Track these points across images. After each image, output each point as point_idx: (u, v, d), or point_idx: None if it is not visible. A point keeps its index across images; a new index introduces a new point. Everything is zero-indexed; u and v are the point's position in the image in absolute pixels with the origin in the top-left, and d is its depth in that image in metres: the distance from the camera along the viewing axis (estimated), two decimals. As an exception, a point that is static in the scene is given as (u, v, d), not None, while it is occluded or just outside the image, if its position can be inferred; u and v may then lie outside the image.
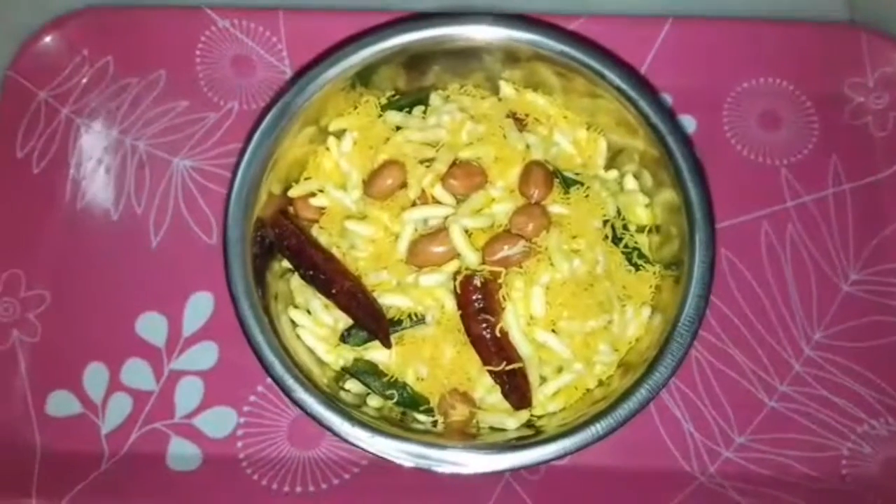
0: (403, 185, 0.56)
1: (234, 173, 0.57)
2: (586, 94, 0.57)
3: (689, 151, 0.57)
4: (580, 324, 0.55)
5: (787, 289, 0.63)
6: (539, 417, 0.56)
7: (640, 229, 0.61)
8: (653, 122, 0.57)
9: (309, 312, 0.57)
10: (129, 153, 0.65)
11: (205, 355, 0.61)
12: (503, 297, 0.52)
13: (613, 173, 0.62)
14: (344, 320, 0.57)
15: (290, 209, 0.59)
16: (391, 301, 0.54)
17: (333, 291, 0.55)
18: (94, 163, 0.65)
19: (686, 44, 0.65)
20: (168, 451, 0.58)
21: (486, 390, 0.54)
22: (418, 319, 0.54)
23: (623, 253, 0.58)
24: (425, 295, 0.53)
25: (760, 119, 0.66)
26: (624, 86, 0.57)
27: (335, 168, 0.58)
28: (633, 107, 0.56)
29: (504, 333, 0.53)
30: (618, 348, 0.58)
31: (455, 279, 0.53)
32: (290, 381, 0.54)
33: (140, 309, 0.61)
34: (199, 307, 0.61)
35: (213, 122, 0.67)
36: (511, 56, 0.57)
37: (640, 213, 0.61)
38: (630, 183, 0.62)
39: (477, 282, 0.52)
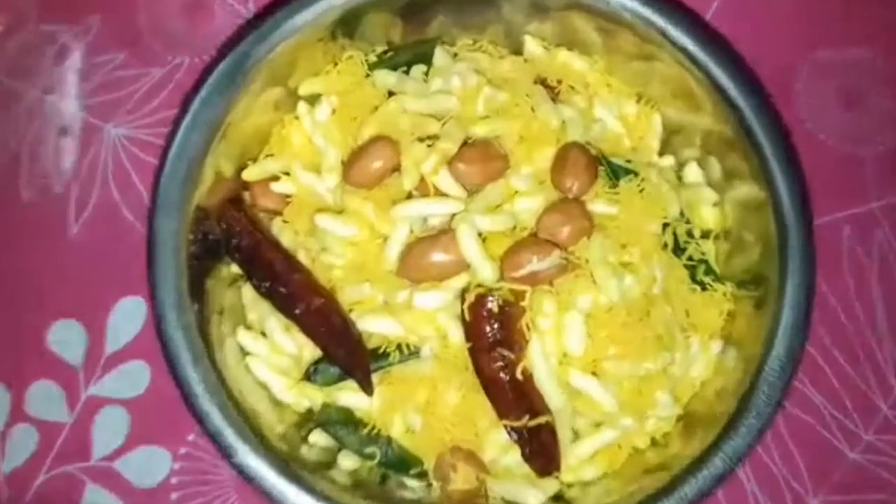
0: (396, 170, 0.45)
1: (168, 146, 0.45)
2: (637, 56, 0.47)
3: (779, 133, 0.45)
4: (632, 364, 0.42)
5: (873, 310, 0.54)
6: (570, 487, 0.45)
7: (705, 235, 0.49)
8: (727, 94, 0.45)
9: (264, 335, 0.46)
10: (48, 117, 0.56)
11: (133, 379, 0.52)
12: (528, 326, 0.42)
13: (669, 160, 0.50)
14: (311, 347, 0.45)
15: (245, 196, 0.49)
16: (375, 326, 0.44)
17: (297, 311, 0.43)
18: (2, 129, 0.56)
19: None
20: (82, 500, 0.50)
21: (500, 450, 0.44)
22: (411, 352, 0.43)
23: (686, 267, 0.46)
24: (422, 320, 0.43)
25: (841, 96, 0.57)
26: (689, 44, 0.46)
27: (306, 144, 0.48)
28: (702, 72, 0.45)
29: (528, 375, 0.42)
30: (678, 396, 0.45)
31: (463, 300, 0.43)
32: (229, 437, 0.40)
33: (52, 316, 0.53)
34: (128, 316, 0.52)
35: (158, 79, 0.56)
36: (538, 4, 0.47)
37: (707, 213, 0.49)
38: (693, 173, 0.50)
39: (493, 304, 0.42)
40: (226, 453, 0.40)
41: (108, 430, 0.51)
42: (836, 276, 0.55)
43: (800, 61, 0.58)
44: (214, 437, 0.41)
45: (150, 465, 0.50)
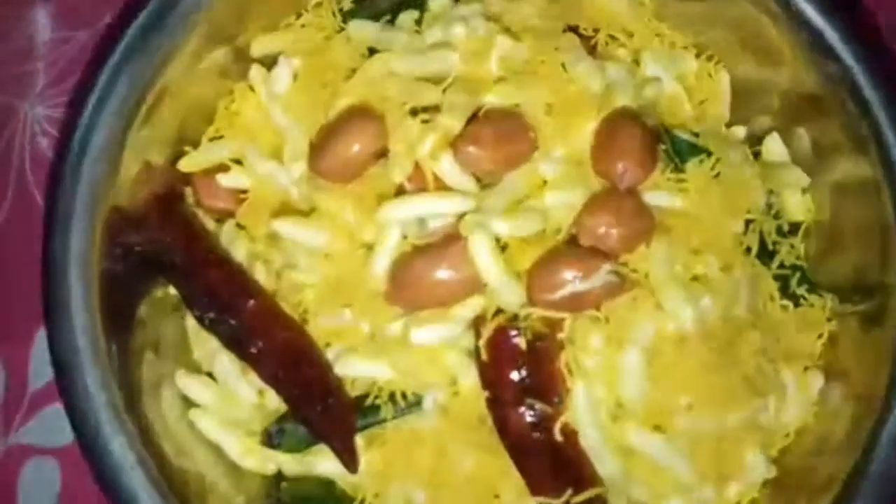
0: (383, 155, 0.35)
1: (68, 130, 0.35)
2: None
3: (895, 85, 0.35)
4: (715, 418, 0.32)
5: None
6: None
7: (791, 230, 0.39)
8: (823, 39, 0.36)
9: (214, 378, 0.36)
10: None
11: (64, 422, 0.41)
12: (568, 367, 0.32)
13: (739, 132, 0.40)
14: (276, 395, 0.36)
15: (187, 193, 0.39)
16: (360, 369, 0.34)
17: (252, 350, 0.34)
18: None
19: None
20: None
21: None
22: (410, 404, 0.34)
23: (776, 277, 0.36)
24: (422, 361, 0.33)
25: None
26: None
27: (263, 122, 0.38)
28: (785, 11, 0.36)
29: (570, 433, 0.33)
30: (768, 449, 0.35)
31: (478, 333, 0.33)
32: None
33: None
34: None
35: (83, 44, 0.49)
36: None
37: (793, 201, 0.39)
38: (774, 149, 0.40)
39: (519, 339, 0.32)
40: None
41: (36, 487, 0.44)
42: None
43: None
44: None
45: None
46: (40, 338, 0.45)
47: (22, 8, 0.48)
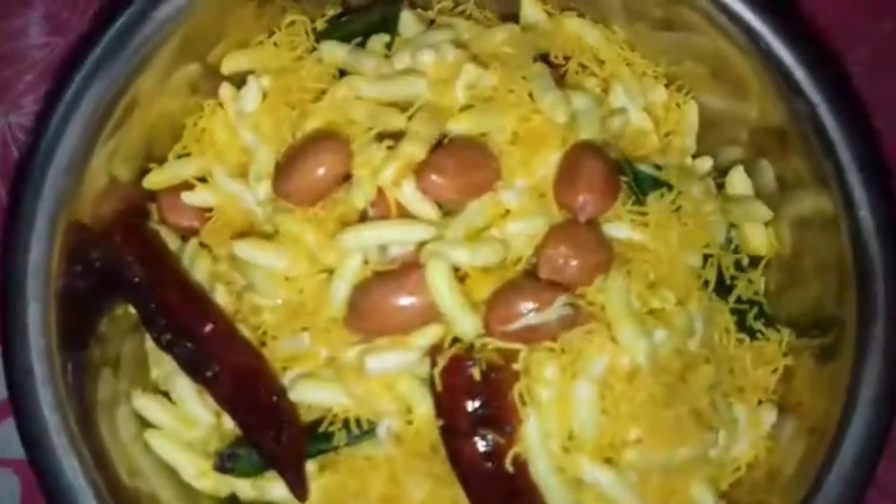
0: (346, 180, 0.34)
1: (34, 142, 0.35)
2: (666, 24, 0.39)
3: (861, 128, 0.35)
4: (664, 453, 0.32)
5: None
6: None
7: (752, 263, 0.39)
8: (796, 78, 0.36)
9: (171, 398, 0.36)
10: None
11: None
12: (522, 398, 0.32)
13: (707, 163, 0.40)
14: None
15: (152, 210, 0.39)
16: (315, 396, 0.33)
17: (208, 374, 0.33)
18: None
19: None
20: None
21: None
22: (364, 431, 0.33)
23: (733, 312, 0.36)
24: (378, 389, 0.33)
25: None
26: (738, 6, 0.36)
27: (231, 138, 0.38)
28: (754, 45, 0.36)
29: (521, 465, 0.32)
30: (716, 483, 0.35)
31: (434, 362, 0.32)
32: None
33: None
34: None
35: (59, 53, 0.47)
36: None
37: (755, 234, 0.39)
38: (738, 182, 0.40)
39: (474, 370, 0.32)
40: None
41: None
42: None
43: (862, 38, 0.48)
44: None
45: None
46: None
47: (10, 15, 0.47)
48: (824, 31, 0.47)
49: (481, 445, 0.31)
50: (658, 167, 0.36)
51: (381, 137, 0.34)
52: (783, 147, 0.37)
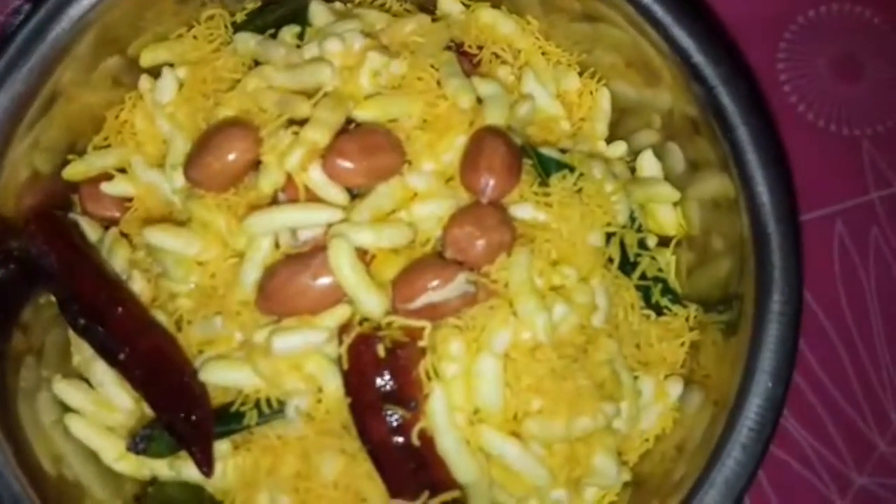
0: (256, 165, 0.35)
1: None
2: (580, 15, 0.40)
3: (757, 112, 0.36)
4: (565, 423, 0.33)
5: (870, 324, 0.48)
6: None
7: (662, 243, 0.40)
8: (693, 62, 0.37)
9: (91, 385, 0.36)
10: None
11: None
12: (427, 373, 0.33)
13: (620, 148, 0.41)
14: None
15: (75, 199, 0.39)
16: (224, 377, 0.34)
17: (121, 357, 0.34)
18: None
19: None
20: None
21: None
22: (274, 411, 0.34)
23: (638, 288, 0.37)
24: (286, 368, 0.33)
25: (834, 66, 0.51)
26: (645, 0, 0.37)
27: (151, 130, 0.38)
28: (662, 35, 0.37)
29: (428, 439, 0.33)
30: (626, 456, 0.36)
31: (341, 340, 0.33)
32: None
33: None
34: None
35: None
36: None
37: (665, 215, 0.40)
38: (648, 165, 0.41)
39: (381, 347, 0.32)
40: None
41: None
42: (824, 283, 0.48)
43: (783, 24, 0.51)
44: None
45: None
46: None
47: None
48: (728, 23, 0.48)
49: (388, 420, 0.32)
50: (563, 151, 0.37)
51: (290, 125, 0.34)
52: (692, 132, 0.38)
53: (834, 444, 0.46)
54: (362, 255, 0.33)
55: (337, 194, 0.34)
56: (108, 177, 0.38)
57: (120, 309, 0.33)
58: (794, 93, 0.50)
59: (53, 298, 0.37)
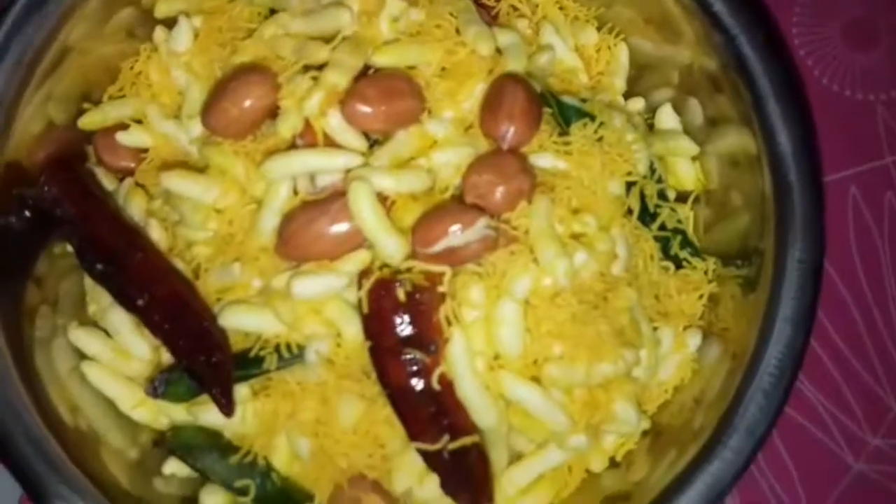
0: (274, 112, 0.34)
1: None
2: None
3: (782, 67, 0.36)
4: (585, 368, 0.33)
5: (884, 288, 0.48)
6: None
7: (681, 197, 0.40)
8: (717, 16, 0.36)
9: (108, 334, 0.36)
10: None
11: None
12: (447, 318, 0.33)
13: (638, 103, 0.41)
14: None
15: (90, 151, 0.39)
16: (244, 322, 0.34)
17: (140, 302, 0.34)
18: None
19: None
20: None
21: (415, 478, 0.34)
22: (294, 355, 0.34)
23: (657, 239, 0.37)
24: (306, 313, 0.33)
25: (848, 31, 0.51)
26: None
27: (166, 81, 0.38)
28: None
29: (448, 383, 0.33)
30: (645, 405, 0.36)
31: (361, 285, 0.33)
32: (41, 475, 0.30)
33: None
34: None
35: None
36: None
37: (684, 169, 0.40)
38: (667, 118, 0.40)
39: (400, 291, 0.32)
40: (34, 494, 0.30)
41: None
42: (840, 247, 0.48)
43: None
44: (19, 475, 0.30)
45: None
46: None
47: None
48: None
49: (408, 365, 0.32)
50: (583, 100, 0.37)
51: (307, 70, 0.34)
52: (711, 87, 0.38)
53: (848, 406, 0.46)
54: (382, 200, 0.33)
55: (355, 140, 0.33)
56: (123, 127, 0.37)
57: (139, 255, 0.33)
58: (809, 57, 0.50)
59: (68, 248, 0.37)
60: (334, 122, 0.33)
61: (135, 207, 0.36)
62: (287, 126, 0.33)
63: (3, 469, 0.43)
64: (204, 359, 0.32)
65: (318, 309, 0.32)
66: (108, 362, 0.35)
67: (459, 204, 0.33)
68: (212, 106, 0.34)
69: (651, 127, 0.41)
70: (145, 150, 0.37)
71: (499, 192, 0.33)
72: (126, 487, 0.33)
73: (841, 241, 0.48)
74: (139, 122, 0.37)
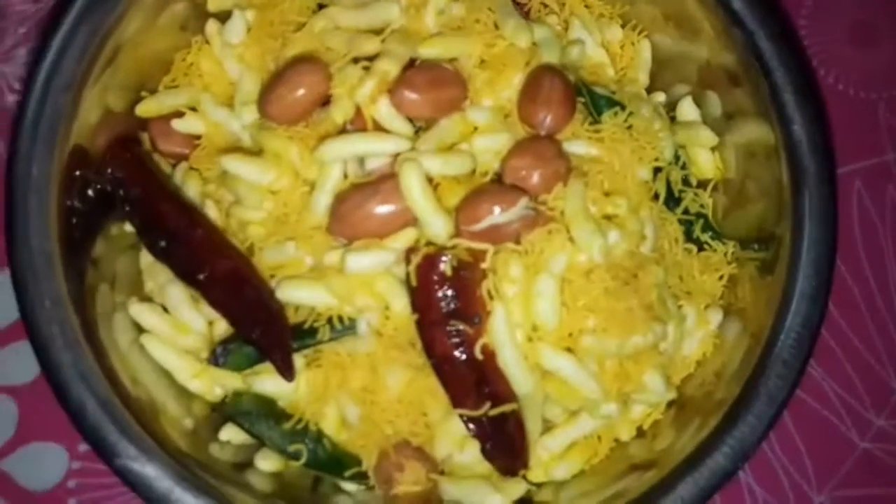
0: (326, 100, 0.36)
1: (34, 68, 0.36)
2: None
3: (797, 60, 0.38)
4: (616, 340, 0.35)
5: (886, 277, 0.50)
6: (540, 488, 0.38)
7: (701, 185, 0.42)
8: (735, 8, 0.38)
9: (166, 309, 0.38)
10: None
11: (19, 363, 0.46)
12: (489, 293, 0.35)
13: (659, 97, 0.44)
14: (225, 323, 0.37)
15: (144, 137, 0.41)
16: (300, 296, 0.36)
17: (200, 277, 0.36)
18: None
19: None
20: (-35, 507, 0.45)
21: (456, 445, 0.36)
22: (345, 327, 0.36)
23: (681, 223, 0.39)
24: (357, 287, 0.35)
25: (852, 32, 0.53)
26: None
27: (218, 72, 0.40)
28: None
29: (489, 354, 0.35)
30: (670, 377, 0.38)
31: (409, 261, 0.35)
32: (109, 435, 0.32)
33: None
34: (7, 289, 0.42)
35: (46, 6, 0.49)
36: None
37: (704, 159, 0.42)
38: (687, 110, 0.43)
39: (446, 267, 0.34)
40: (105, 454, 0.32)
41: None
42: (846, 238, 0.50)
43: None
44: (90, 434, 0.32)
45: (43, 465, 0.45)
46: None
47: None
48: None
49: (452, 336, 0.34)
50: (613, 92, 0.39)
51: (357, 61, 0.36)
52: (730, 82, 0.40)
53: (855, 389, 0.48)
54: (428, 183, 0.35)
55: (403, 126, 0.36)
56: (177, 115, 0.39)
57: (199, 231, 0.35)
58: (815, 57, 0.52)
59: (125, 228, 0.39)
60: (384, 109, 0.35)
61: (191, 189, 0.38)
62: (340, 112, 0.35)
63: (51, 447, 0.46)
64: (264, 329, 0.34)
65: (368, 283, 0.34)
66: (166, 336, 0.37)
67: (501, 185, 0.35)
68: (269, 94, 0.36)
69: (672, 119, 0.43)
70: (198, 137, 0.39)
71: (537, 174, 0.35)
72: (186, 450, 0.35)
73: (846, 231, 0.50)
74: (193, 109, 0.39)
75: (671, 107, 0.43)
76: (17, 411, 0.45)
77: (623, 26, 0.43)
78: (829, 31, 0.52)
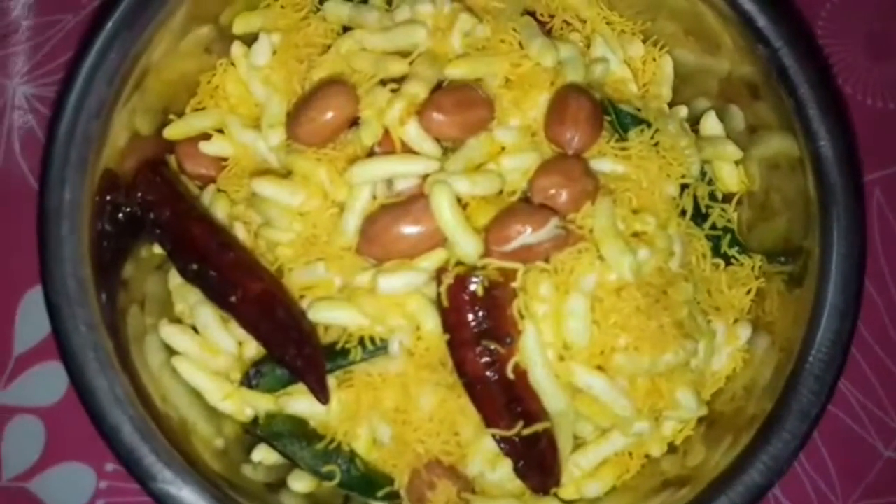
0: (354, 122, 0.37)
1: (63, 95, 0.37)
2: None
3: (820, 73, 0.38)
4: (648, 358, 0.35)
5: None
6: None
7: (725, 199, 0.42)
8: (759, 26, 0.39)
9: (196, 331, 0.38)
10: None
11: (47, 384, 0.46)
12: (520, 312, 0.35)
13: (682, 111, 0.43)
14: (255, 344, 0.37)
15: (171, 160, 0.41)
16: (331, 317, 0.36)
17: (232, 299, 0.36)
18: None
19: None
20: (-7, 528, 0.45)
21: (488, 463, 0.36)
22: (377, 348, 0.36)
23: (708, 238, 0.39)
24: (389, 307, 0.35)
25: (869, 43, 0.53)
26: None
27: (244, 94, 0.40)
28: (727, 1, 0.39)
29: (520, 373, 0.35)
30: (701, 393, 0.38)
31: (439, 281, 0.35)
32: (145, 458, 0.32)
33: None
34: (40, 310, 0.42)
35: (71, 26, 0.50)
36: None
37: (728, 173, 0.42)
38: (711, 125, 0.43)
39: (476, 287, 0.34)
40: (141, 478, 0.32)
41: (21, 444, 0.45)
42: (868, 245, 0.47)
43: (822, 2, 0.52)
44: (126, 459, 0.32)
45: (71, 486, 0.45)
46: (25, 303, 0.47)
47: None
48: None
49: (484, 356, 0.34)
50: (638, 109, 0.39)
51: (385, 83, 0.36)
52: (752, 96, 0.40)
53: (879, 399, 0.48)
54: (457, 203, 0.35)
55: (431, 147, 0.36)
56: (204, 137, 0.39)
57: (231, 254, 0.35)
58: (833, 67, 0.51)
59: (153, 250, 0.39)
60: (413, 131, 0.35)
61: (220, 211, 0.38)
62: (369, 134, 0.35)
63: (79, 467, 0.46)
64: (297, 351, 0.34)
65: (400, 304, 0.34)
66: (197, 357, 0.37)
67: (531, 205, 0.35)
68: (298, 116, 0.36)
69: (695, 133, 0.43)
70: (225, 159, 0.39)
71: (565, 193, 0.35)
72: (219, 471, 0.35)
73: (868, 238, 0.50)
74: (220, 131, 0.40)
75: (693, 120, 0.43)
76: (45, 432, 0.45)
77: (644, 42, 0.43)
78: (845, 41, 0.52)
